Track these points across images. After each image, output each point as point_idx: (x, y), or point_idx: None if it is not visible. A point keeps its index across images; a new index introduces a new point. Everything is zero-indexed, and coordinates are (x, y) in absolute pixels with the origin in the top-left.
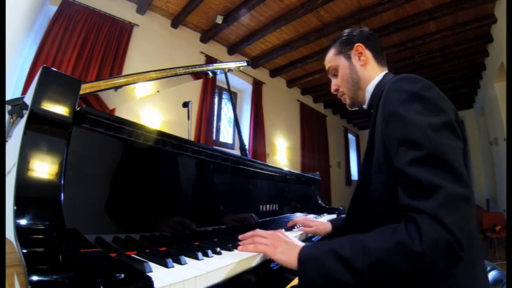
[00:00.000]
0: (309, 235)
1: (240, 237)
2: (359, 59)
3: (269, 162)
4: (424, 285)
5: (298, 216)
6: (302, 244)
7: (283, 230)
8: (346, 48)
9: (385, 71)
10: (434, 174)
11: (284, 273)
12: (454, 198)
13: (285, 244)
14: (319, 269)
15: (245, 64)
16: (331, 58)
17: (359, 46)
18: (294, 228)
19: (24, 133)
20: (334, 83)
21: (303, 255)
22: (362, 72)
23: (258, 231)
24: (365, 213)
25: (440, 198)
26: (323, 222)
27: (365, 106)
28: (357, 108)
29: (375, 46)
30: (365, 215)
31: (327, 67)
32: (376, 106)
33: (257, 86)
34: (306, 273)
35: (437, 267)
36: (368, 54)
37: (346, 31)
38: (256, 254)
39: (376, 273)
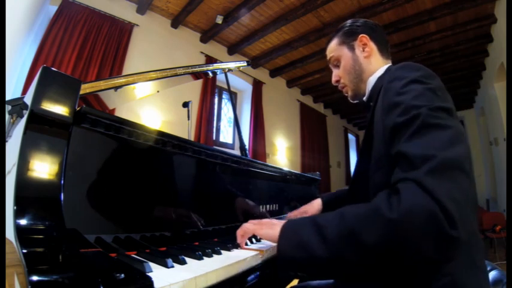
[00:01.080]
0: None
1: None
2: (363, 50)
3: (269, 162)
4: (419, 282)
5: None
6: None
7: (272, 218)
8: (349, 38)
9: (389, 64)
10: (427, 145)
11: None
12: (447, 166)
13: (270, 222)
14: (295, 237)
15: (245, 64)
16: (334, 48)
17: (364, 37)
18: None
19: (24, 133)
20: (335, 74)
21: (285, 225)
22: (365, 64)
23: (245, 224)
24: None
25: (430, 165)
26: (312, 202)
27: (364, 99)
28: (358, 101)
29: (379, 38)
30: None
31: (328, 57)
32: (376, 99)
33: (257, 86)
34: (283, 243)
35: (417, 244)
36: (372, 46)
37: (350, 21)
38: (256, 254)
39: (346, 242)
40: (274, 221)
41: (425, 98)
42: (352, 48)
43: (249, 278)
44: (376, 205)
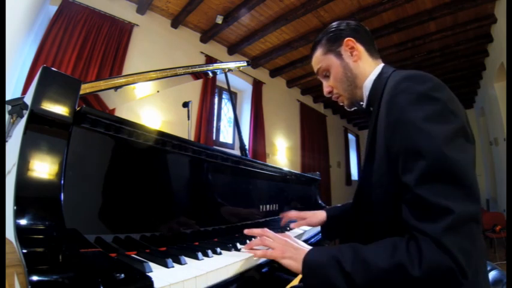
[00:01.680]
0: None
1: (246, 231)
2: (351, 55)
3: (269, 162)
4: None
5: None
6: (309, 248)
7: (290, 234)
8: (334, 45)
9: (381, 64)
10: (443, 194)
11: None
12: (463, 221)
13: (293, 249)
14: (321, 277)
15: (245, 64)
16: (320, 59)
17: (349, 40)
18: (288, 228)
19: (24, 133)
20: (327, 85)
21: (308, 261)
22: (356, 68)
23: (267, 231)
24: (367, 217)
25: (447, 222)
26: (316, 212)
27: (363, 105)
28: (356, 108)
29: (365, 38)
30: (367, 219)
31: (315, 69)
32: (378, 104)
33: (257, 86)
34: (309, 279)
35: None
36: (360, 48)
37: (332, 26)
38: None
39: None
40: (293, 245)
41: (436, 123)
42: (339, 55)
43: (249, 278)
44: (399, 261)
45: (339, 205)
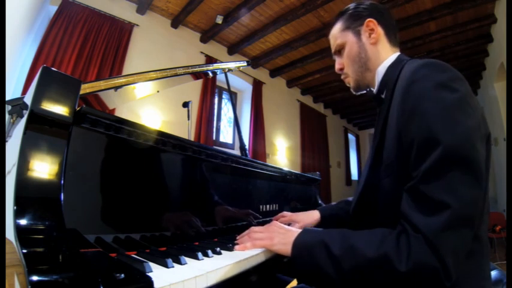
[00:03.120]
0: None
1: (237, 238)
2: (369, 36)
3: (269, 162)
4: None
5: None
6: (298, 231)
7: (277, 222)
8: (355, 23)
9: (398, 52)
10: (449, 189)
11: (284, 274)
12: (460, 220)
13: (281, 234)
14: (309, 259)
15: (245, 64)
16: (337, 34)
17: (370, 21)
18: None
19: (24, 133)
20: (339, 62)
21: (296, 243)
22: (372, 51)
23: (253, 228)
24: (372, 212)
25: (444, 219)
26: (308, 213)
27: (374, 90)
28: (363, 92)
29: (388, 23)
30: (371, 219)
31: (331, 43)
32: (391, 92)
33: (257, 86)
34: (297, 261)
35: None
36: (380, 31)
37: (355, 3)
38: (256, 254)
39: (359, 277)
40: (281, 229)
41: (454, 116)
42: (357, 34)
43: (249, 278)
44: (386, 253)
45: (333, 203)
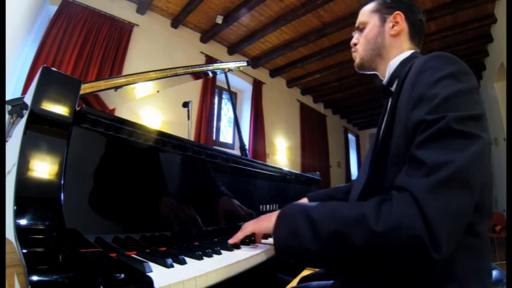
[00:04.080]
0: None
1: (230, 240)
2: (392, 27)
3: (269, 162)
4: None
5: None
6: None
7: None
8: (385, 10)
9: (414, 50)
10: (444, 152)
11: (283, 274)
12: (456, 181)
13: (266, 217)
14: (289, 226)
15: (245, 64)
16: (366, 12)
17: (398, 14)
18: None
19: (24, 133)
20: (356, 37)
21: (280, 214)
22: (389, 41)
23: (245, 223)
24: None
25: (437, 177)
26: (296, 202)
27: (384, 81)
28: (365, 72)
29: (415, 22)
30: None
31: (357, 19)
32: (401, 84)
33: (257, 86)
34: (279, 230)
35: (395, 259)
36: (404, 26)
37: None
38: (256, 254)
39: (335, 242)
40: (267, 215)
41: (459, 101)
42: (383, 20)
43: (249, 278)
44: (365, 212)
45: (324, 190)
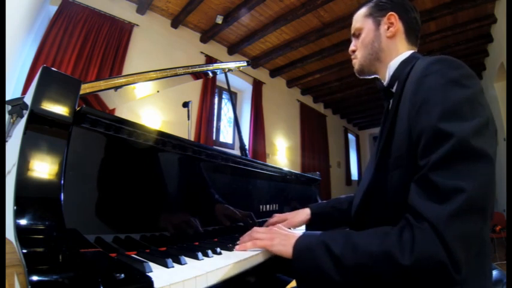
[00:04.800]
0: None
1: (240, 238)
2: (388, 29)
3: (269, 162)
4: None
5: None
6: (299, 233)
7: (280, 225)
8: (378, 12)
9: (413, 51)
10: (458, 177)
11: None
12: (473, 207)
13: (282, 236)
14: (310, 261)
15: (245, 64)
16: (359, 19)
17: (392, 15)
18: None
19: (24, 133)
20: (353, 44)
21: (297, 246)
22: (386, 43)
23: (255, 228)
24: (378, 213)
25: (454, 206)
26: (298, 212)
27: (385, 83)
28: (365, 77)
29: (410, 21)
30: (378, 215)
31: (352, 25)
32: (402, 86)
33: (257, 86)
34: (298, 263)
35: (424, 285)
36: (400, 26)
37: None
38: (256, 254)
39: (361, 276)
40: (282, 231)
41: (465, 110)
42: (377, 23)
43: (249, 278)
44: (389, 249)
45: (324, 201)
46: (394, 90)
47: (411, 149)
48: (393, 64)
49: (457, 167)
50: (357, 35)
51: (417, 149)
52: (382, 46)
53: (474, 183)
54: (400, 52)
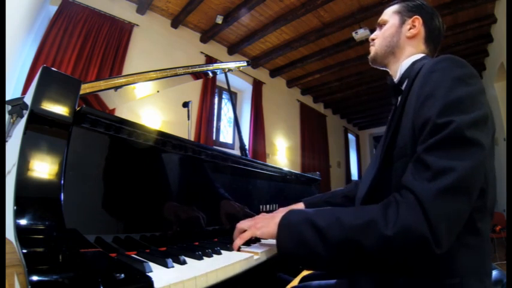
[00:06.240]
0: None
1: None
2: (409, 30)
3: (269, 162)
4: (428, 282)
5: None
6: (283, 214)
7: (264, 213)
8: (406, 13)
9: (427, 54)
10: (452, 156)
11: (284, 274)
12: (460, 187)
13: (265, 219)
14: (295, 235)
15: (245, 64)
16: (389, 12)
17: (417, 19)
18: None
19: (24, 133)
20: (375, 34)
21: (282, 223)
22: (404, 42)
23: (239, 223)
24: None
25: (444, 183)
26: (292, 206)
27: (395, 80)
28: (377, 67)
29: (433, 29)
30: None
31: (381, 16)
32: (411, 83)
33: (257, 86)
34: (283, 240)
35: (404, 258)
36: (421, 31)
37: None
38: (256, 254)
39: (344, 246)
40: (267, 215)
41: (465, 104)
42: (402, 22)
43: (249, 278)
44: (373, 218)
45: (321, 194)
46: (403, 88)
47: (414, 140)
48: (405, 63)
49: (450, 150)
50: (381, 26)
51: (419, 139)
52: (400, 43)
53: (465, 165)
54: (414, 53)
